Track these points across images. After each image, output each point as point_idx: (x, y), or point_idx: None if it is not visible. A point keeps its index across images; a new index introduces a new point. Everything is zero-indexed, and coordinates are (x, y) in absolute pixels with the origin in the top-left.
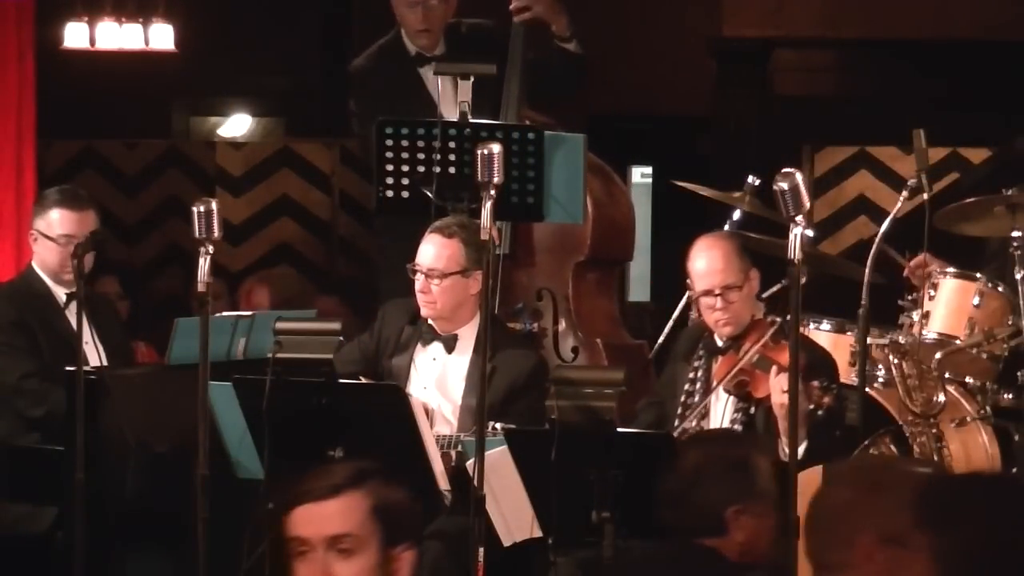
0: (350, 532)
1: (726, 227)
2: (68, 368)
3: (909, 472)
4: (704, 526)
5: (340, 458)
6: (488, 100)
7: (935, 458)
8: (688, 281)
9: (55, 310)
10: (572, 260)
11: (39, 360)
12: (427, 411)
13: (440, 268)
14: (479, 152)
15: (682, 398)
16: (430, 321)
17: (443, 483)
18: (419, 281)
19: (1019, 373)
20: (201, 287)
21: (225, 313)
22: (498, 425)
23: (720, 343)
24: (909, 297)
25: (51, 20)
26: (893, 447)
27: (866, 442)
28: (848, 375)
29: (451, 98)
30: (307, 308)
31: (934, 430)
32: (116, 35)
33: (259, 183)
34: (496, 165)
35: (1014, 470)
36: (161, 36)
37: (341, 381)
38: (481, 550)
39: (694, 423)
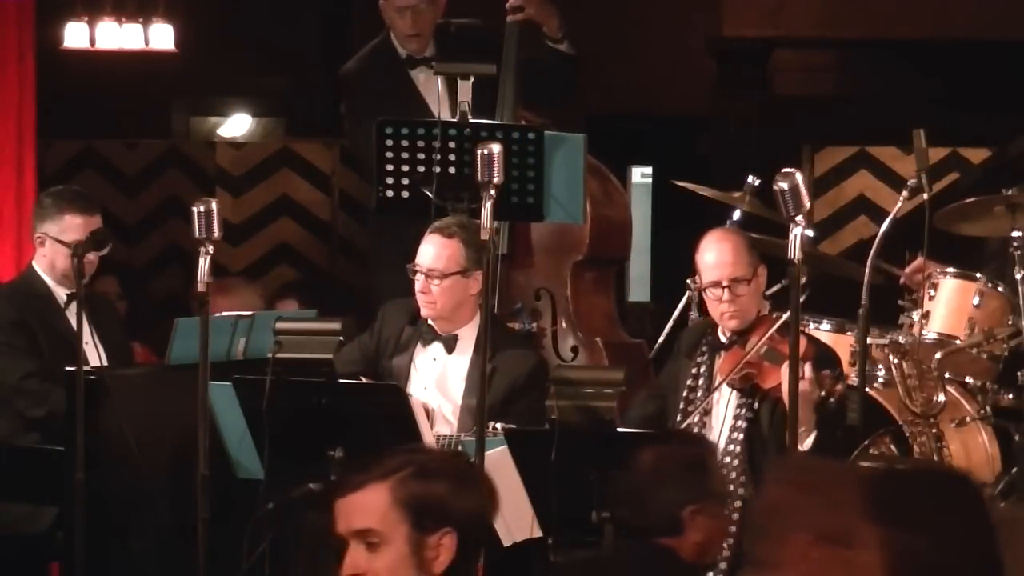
0: (372, 527)
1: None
2: (68, 368)
3: (848, 471)
4: (660, 526)
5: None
6: (483, 100)
7: (935, 458)
8: (695, 278)
9: (55, 310)
10: (570, 260)
11: (39, 360)
12: (427, 411)
13: (440, 268)
14: (479, 152)
15: (684, 394)
16: (430, 321)
17: None
18: (419, 281)
19: (1019, 373)
20: (201, 287)
21: (225, 313)
22: (498, 425)
23: (724, 339)
24: (909, 297)
25: (51, 20)
26: (893, 447)
27: (866, 442)
28: (848, 375)
29: (447, 98)
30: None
31: (934, 430)
32: (116, 35)
33: (259, 183)
34: (496, 165)
35: (1014, 470)
36: (161, 36)
37: (341, 381)
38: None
39: (696, 419)
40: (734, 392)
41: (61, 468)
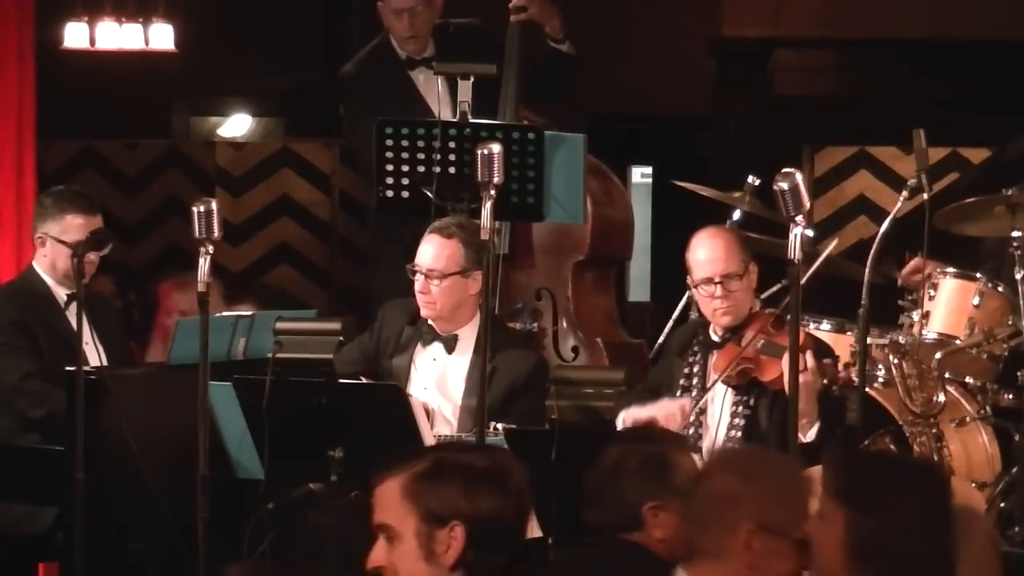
0: (387, 521)
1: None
2: (68, 368)
3: (791, 462)
4: (622, 523)
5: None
6: (484, 100)
7: (935, 458)
8: (688, 277)
9: (56, 310)
10: (571, 260)
11: (40, 361)
12: (427, 411)
13: (439, 268)
14: (479, 152)
15: (677, 394)
16: (430, 321)
17: None
18: (418, 281)
19: (1019, 373)
20: (201, 287)
21: (225, 313)
22: (498, 425)
23: (716, 338)
24: (909, 297)
25: (51, 20)
26: (893, 447)
27: (866, 442)
28: (848, 375)
29: (447, 98)
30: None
31: (934, 430)
32: (116, 35)
33: (259, 183)
34: (496, 165)
35: (1014, 470)
36: (161, 36)
37: (341, 381)
38: None
39: (692, 419)
40: (730, 390)
41: (61, 468)
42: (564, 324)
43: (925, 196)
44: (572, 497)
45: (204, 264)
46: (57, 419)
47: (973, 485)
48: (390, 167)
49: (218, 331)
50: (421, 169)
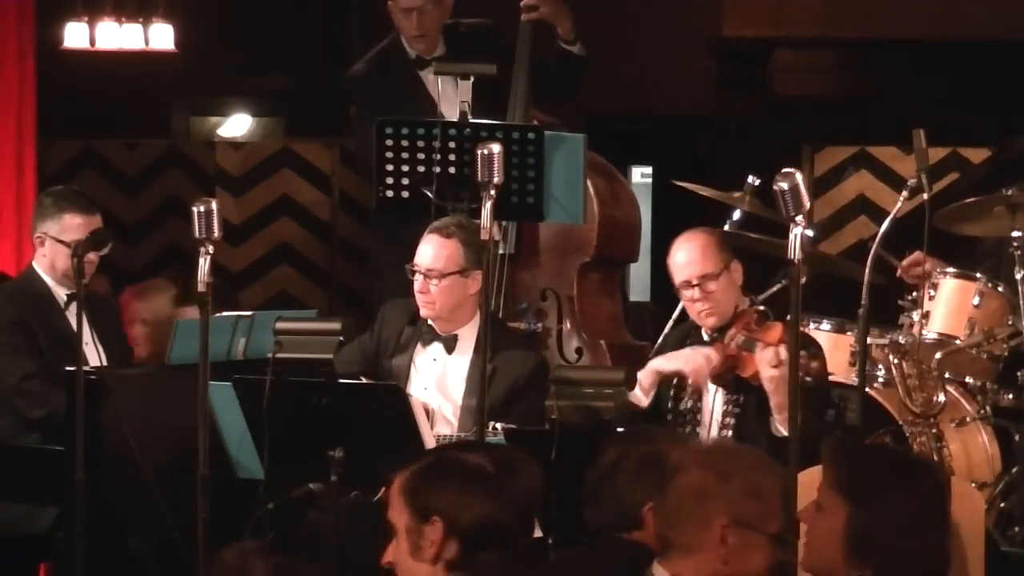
0: (390, 517)
1: (726, 227)
2: (68, 368)
3: (762, 457)
4: (622, 522)
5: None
6: (489, 100)
7: (935, 458)
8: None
9: (56, 310)
10: (577, 261)
11: (40, 361)
12: (427, 411)
13: (438, 268)
14: (479, 152)
15: (671, 393)
16: (430, 321)
17: None
18: (418, 281)
19: (1019, 373)
20: (201, 287)
21: (225, 313)
22: (498, 425)
23: (706, 337)
24: (909, 297)
25: (51, 20)
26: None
27: (866, 442)
28: (848, 375)
29: (451, 98)
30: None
31: (934, 430)
32: (116, 35)
33: (259, 183)
34: (496, 165)
35: (1014, 470)
36: (161, 36)
37: (341, 381)
38: None
39: (687, 418)
40: (721, 390)
41: (61, 468)
42: (568, 325)
43: (925, 196)
44: (572, 497)
45: (204, 264)
46: (57, 419)
47: (973, 485)
48: (390, 167)
49: (218, 331)
50: (421, 169)
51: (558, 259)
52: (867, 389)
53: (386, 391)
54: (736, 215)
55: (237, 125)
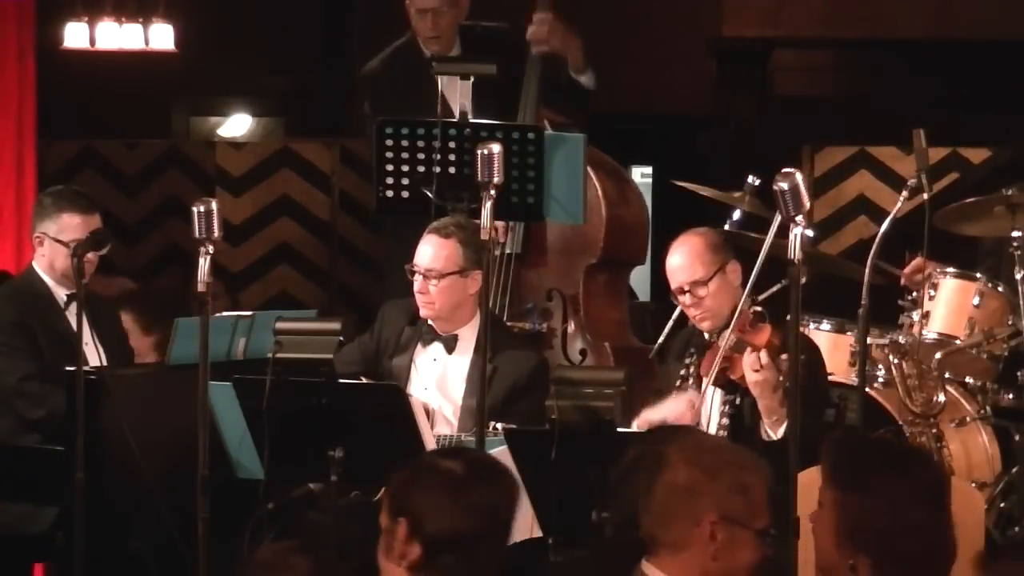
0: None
1: (726, 227)
2: (68, 368)
3: (747, 453)
4: (633, 522)
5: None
6: (498, 101)
7: (935, 458)
8: None
9: (56, 311)
10: (584, 262)
11: (39, 361)
12: (427, 411)
13: (438, 268)
14: (479, 152)
15: (673, 394)
16: (430, 321)
17: None
18: (417, 281)
19: (1019, 373)
20: (201, 287)
21: (225, 313)
22: (498, 425)
23: (707, 338)
24: (909, 297)
25: (51, 20)
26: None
27: None
28: (848, 375)
29: (467, 100)
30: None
31: (934, 430)
32: (116, 35)
33: (259, 183)
34: (496, 165)
35: (1014, 470)
36: (161, 36)
37: (341, 381)
38: None
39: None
40: (719, 390)
41: (61, 468)
42: (573, 326)
43: (925, 196)
44: (572, 497)
45: (204, 264)
46: (57, 420)
47: (973, 485)
48: (390, 167)
49: (218, 331)
50: (421, 169)
51: (565, 260)
52: (867, 389)
53: (386, 391)
54: (736, 215)
55: (237, 125)
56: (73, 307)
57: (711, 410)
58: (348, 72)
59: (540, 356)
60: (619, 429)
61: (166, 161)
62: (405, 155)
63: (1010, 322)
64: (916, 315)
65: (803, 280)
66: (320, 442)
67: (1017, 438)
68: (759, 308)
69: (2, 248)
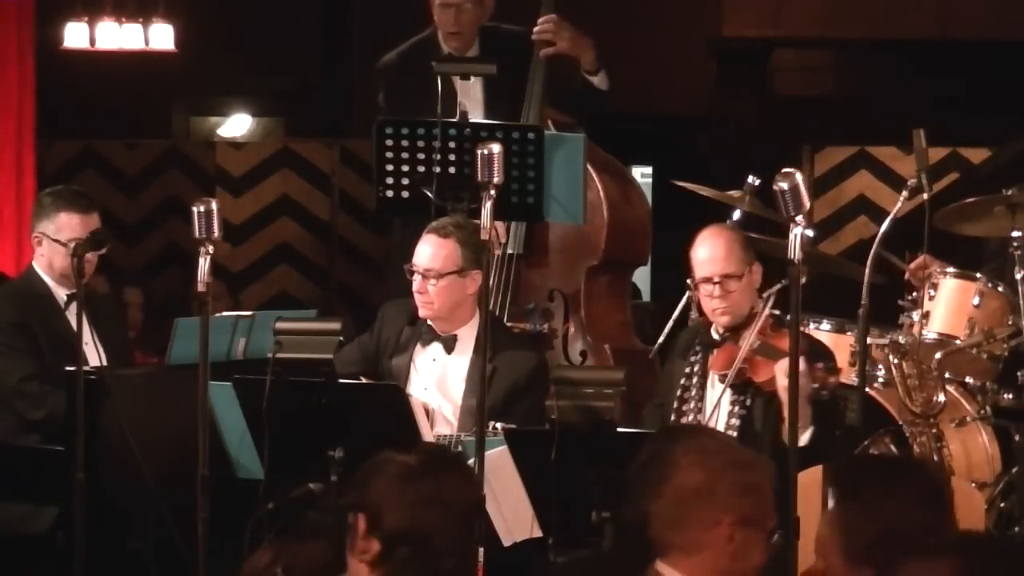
0: None
1: None
2: (68, 368)
3: (754, 454)
4: (645, 520)
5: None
6: (513, 104)
7: (935, 458)
8: (690, 275)
9: (56, 311)
10: (585, 263)
11: (39, 362)
12: (427, 411)
13: (436, 268)
14: (479, 152)
15: (678, 393)
16: (429, 321)
17: None
18: (416, 282)
19: (1019, 373)
20: (201, 287)
21: (225, 313)
22: (498, 425)
23: (716, 336)
24: (909, 297)
25: (51, 20)
26: (893, 447)
27: (866, 442)
28: (848, 375)
29: (479, 99)
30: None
31: (934, 430)
32: (116, 35)
33: (259, 183)
34: (496, 165)
35: (1014, 470)
36: (161, 36)
37: (341, 381)
38: (481, 550)
39: (691, 418)
40: (728, 389)
41: (61, 468)
42: (573, 327)
43: (925, 196)
44: (572, 497)
45: (204, 264)
46: (57, 420)
47: (973, 485)
48: (390, 167)
49: (218, 331)
50: (421, 169)
51: (566, 260)
52: (867, 389)
53: (386, 391)
54: (736, 215)
55: (237, 125)
56: (73, 307)
57: (719, 409)
58: (348, 72)
59: (540, 356)
60: (619, 429)
61: (166, 161)
62: (405, 155)
63: (1010, 322)
64: (916, 315)
65: (803, 280)
66: (320, 442)
67: (1017, 438)
68: (776, 312)
69: (2, 248)
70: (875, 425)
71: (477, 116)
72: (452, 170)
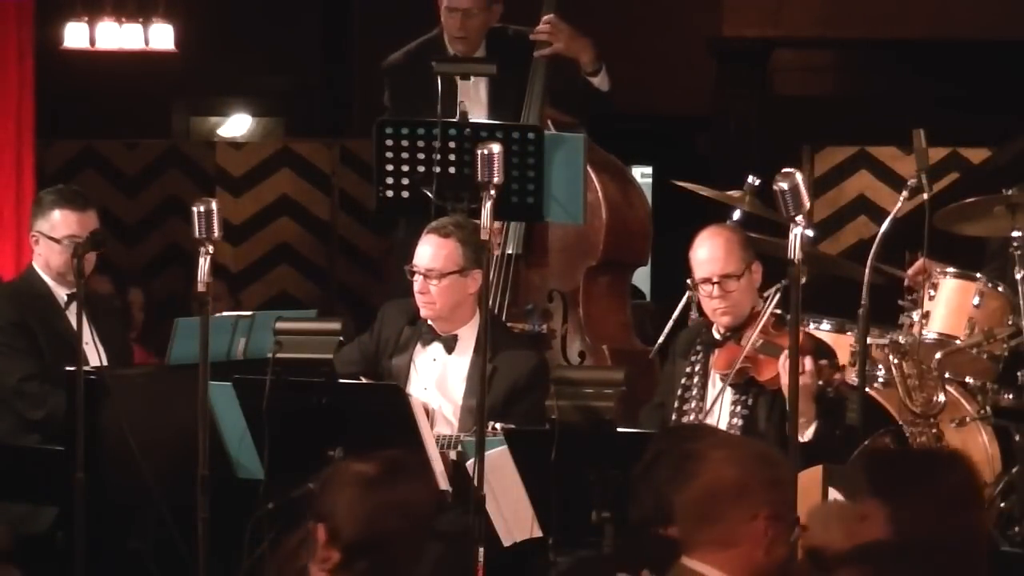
0: None
1: None
2: (68, 368)
3: (776, 450)
4: (658, 517)
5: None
6: (513, 102)
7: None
8: (691, 277)
9: (56, 310)
10: (584, 263)
11: (40, 362)
12: (427, 411)
13: (438, 268)
14: (479, 152)
15: (679, 393)
16: (429, 321)
17: (443, 483)
18: (418, 282)
19: (1019, 373)
20: (201, 287)
21: (225, 313)
22: (498, 425)
23: (718, 336)
24: (909, 297)
25: (51, 20)
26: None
27: (866, 442)
28: (848, 375)
29: (477, 99)
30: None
31: (934, 430)
32: (116, 35)
33: (259, 183)
34: (496, 165)
35: (1014, 470)
36: (161, 36)
37: (341, 381)
38: (481, 550)
39: (692, 417)
40: (729, 388)
41: (61, 468)
42: (572, 328)
43: (925, 196)
44: (572, 497)
45: (204, 264)
46: (57, 420)
47: None
48: (390, 167)
49: (218, 331)
50: (421, 169)
51: (566, 261)
52: (867, 389)
53: (386, 391)
54: (736, 215)
55: (237, 125)
56: (73, 307)
57: (721, 407)
58: (348, 72)
59: (540, 356)
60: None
61: (166, 161)
62: (405, 155)
63: (1010, 322)
64: (916, 315)
65: (803, 280)
66: (320, 442)
67: (1017, 438)
68: (778, 311)
69: (2, 248)
70: (875, 425)
71: (481, 117)
72: (452, 170)
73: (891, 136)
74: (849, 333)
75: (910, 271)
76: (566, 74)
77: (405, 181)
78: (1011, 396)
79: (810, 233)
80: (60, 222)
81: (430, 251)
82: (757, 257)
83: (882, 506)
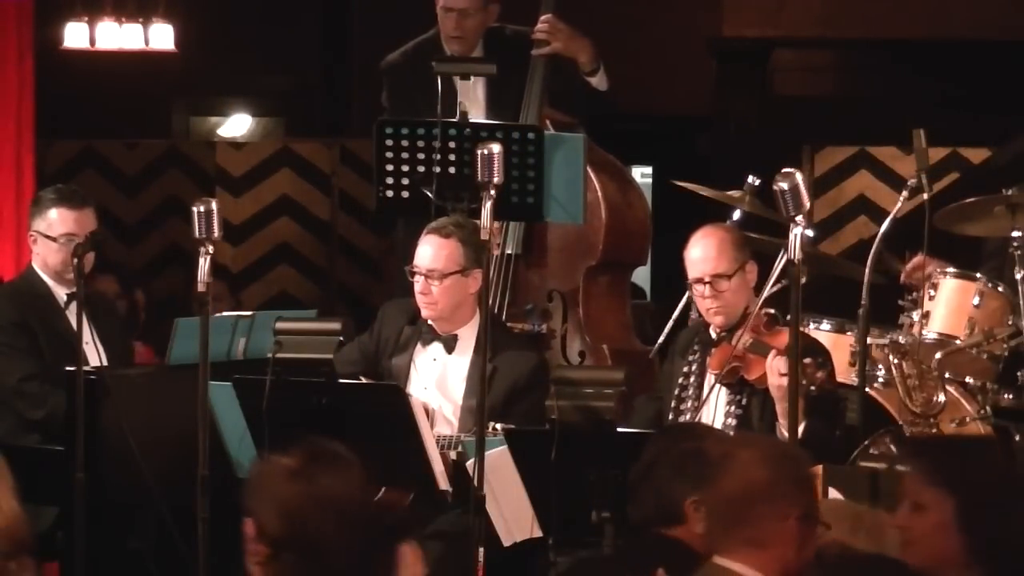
0: None
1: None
2: (68, 368)
3: (801, 452)
4: (661, 517)
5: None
6: (512, 102)
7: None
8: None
9: (56, 310)
10: (584, 263)
11: (40, 362)
12: (427, 411)
13: (439, 268)
14: (479, 152)
15: (676, 392)
16: (429, 321)
17: (443, 483)
18: (419, 283)
19: (1019, 373)
20: (201, 287)
21: (225, 313)
22: (498, 425)
23: (714, 336)
24: (909, 297)
25: (51, 20)
26: (893, 447)
27: (866, 442)
28: (848, 375)
29: (475, 99)
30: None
31: (934, 430)
32: (116, 35)
33: (259, 183)
34: (496, 165)
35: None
36: (161, 36)
37: (341, 381)
38: (481, 550)
39: (688, 416)
40: (723, 388)
41: (61, 468)
42: (571, 328)
43: (925, 196)
44: (572, 497)
45: (204, 264)
46: (57, 420)
47: None
48: (390, 167)
49: (218, 331)
50: (421, 169)
51: (566, 261)
52: (867, 389)
53: (386, 391)
54: (736, 215)
55: (237, 125)
56: (73, 307)
57: (715, 406)
58: (348, 72)
59: (540, 356)
60: (619, 429)
61: (166, 161)
62: (405, 155)
63: (1010, 322)
64: (916, 315)
65: (803, 280)
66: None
67: (1017, 438)
68: (771, 311)
69: (2, 248)
70: (875, 425)
71: (478, 117)
72: (452, 170)
73: (891, 136)
74: (849, 333)
75: (907, 267)
76: (565, 74)
77: (405, 181)
78: (1011, 396)
79: (810, 233)
80: (56, 220)
81: (431, 251)
82: (753, 257)
83: (947, 496)
